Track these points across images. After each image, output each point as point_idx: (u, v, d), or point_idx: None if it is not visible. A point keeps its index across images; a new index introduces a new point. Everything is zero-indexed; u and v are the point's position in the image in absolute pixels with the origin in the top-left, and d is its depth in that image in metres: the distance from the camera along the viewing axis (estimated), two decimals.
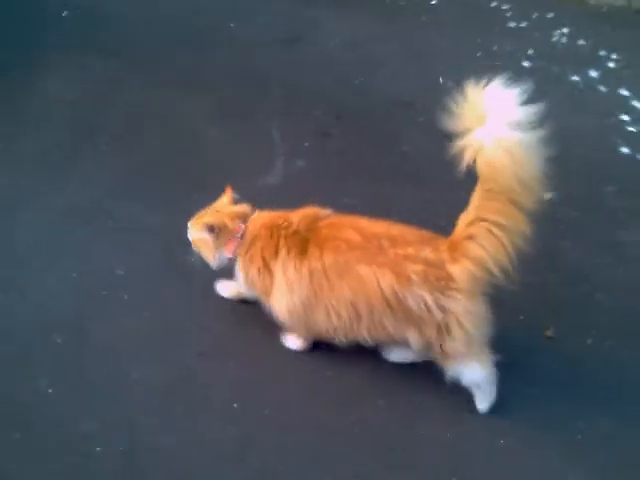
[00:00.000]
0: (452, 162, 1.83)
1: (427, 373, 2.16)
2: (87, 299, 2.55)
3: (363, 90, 3.68)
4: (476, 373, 2.06)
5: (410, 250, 1.98)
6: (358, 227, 2.10)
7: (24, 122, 3.47)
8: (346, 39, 4.17)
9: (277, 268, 2.17)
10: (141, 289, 2.59)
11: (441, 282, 1.95)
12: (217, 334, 2.44)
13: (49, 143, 3.31)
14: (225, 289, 2.53)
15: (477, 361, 2.04)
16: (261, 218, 2.28)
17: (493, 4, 4.54)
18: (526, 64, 3.97)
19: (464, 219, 1.95)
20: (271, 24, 4.28)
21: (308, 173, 3.09)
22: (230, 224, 2.25)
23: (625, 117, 3.52)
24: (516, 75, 1.81)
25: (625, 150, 3.28)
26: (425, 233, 2.07)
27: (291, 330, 2.32)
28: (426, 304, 1.96)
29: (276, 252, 2.17)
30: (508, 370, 2.13)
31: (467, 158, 1.80)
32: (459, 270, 1.93)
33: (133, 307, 2.52)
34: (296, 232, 2.17)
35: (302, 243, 2.14)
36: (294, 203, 2.43)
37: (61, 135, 3.36)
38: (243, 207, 2.33)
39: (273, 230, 2.21)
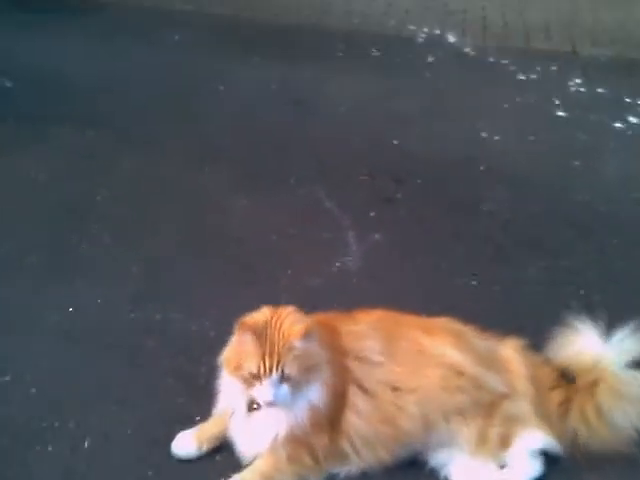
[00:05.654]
0: None
1: None
2: None
3: (406, 150, 3.15)
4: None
5: None
6: None
7: None
8: (350, 100, 3.67)
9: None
10: None
11: None
12: None
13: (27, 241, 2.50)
14: (188, 444, 1.72)
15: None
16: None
17: (490, 59, 4.24)
18: (561, 113, 3.63)
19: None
20: (265, 87, 3.73)
21: (389, 247, 2.47)
22: None
23: None
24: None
25: None
26: None
27: None
28: None
29: None
30: None
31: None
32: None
33: None
34: None
35: None
36: (389, 289, 2.20)
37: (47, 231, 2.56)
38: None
39: None
